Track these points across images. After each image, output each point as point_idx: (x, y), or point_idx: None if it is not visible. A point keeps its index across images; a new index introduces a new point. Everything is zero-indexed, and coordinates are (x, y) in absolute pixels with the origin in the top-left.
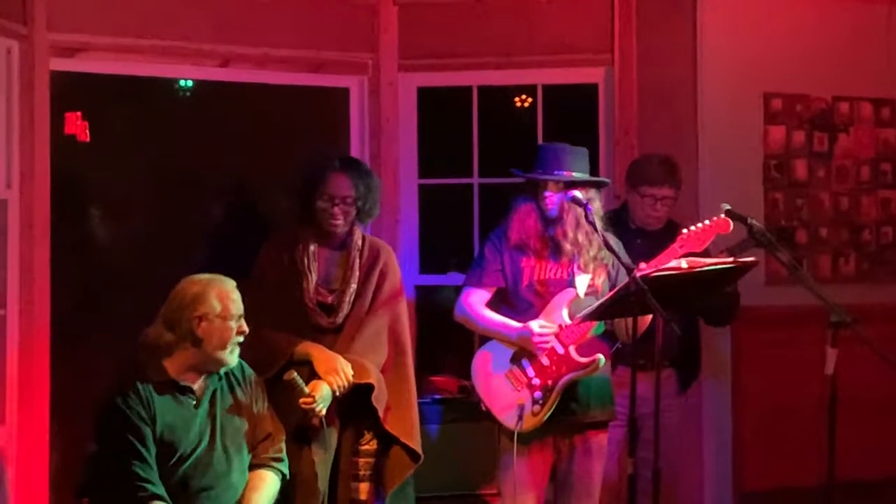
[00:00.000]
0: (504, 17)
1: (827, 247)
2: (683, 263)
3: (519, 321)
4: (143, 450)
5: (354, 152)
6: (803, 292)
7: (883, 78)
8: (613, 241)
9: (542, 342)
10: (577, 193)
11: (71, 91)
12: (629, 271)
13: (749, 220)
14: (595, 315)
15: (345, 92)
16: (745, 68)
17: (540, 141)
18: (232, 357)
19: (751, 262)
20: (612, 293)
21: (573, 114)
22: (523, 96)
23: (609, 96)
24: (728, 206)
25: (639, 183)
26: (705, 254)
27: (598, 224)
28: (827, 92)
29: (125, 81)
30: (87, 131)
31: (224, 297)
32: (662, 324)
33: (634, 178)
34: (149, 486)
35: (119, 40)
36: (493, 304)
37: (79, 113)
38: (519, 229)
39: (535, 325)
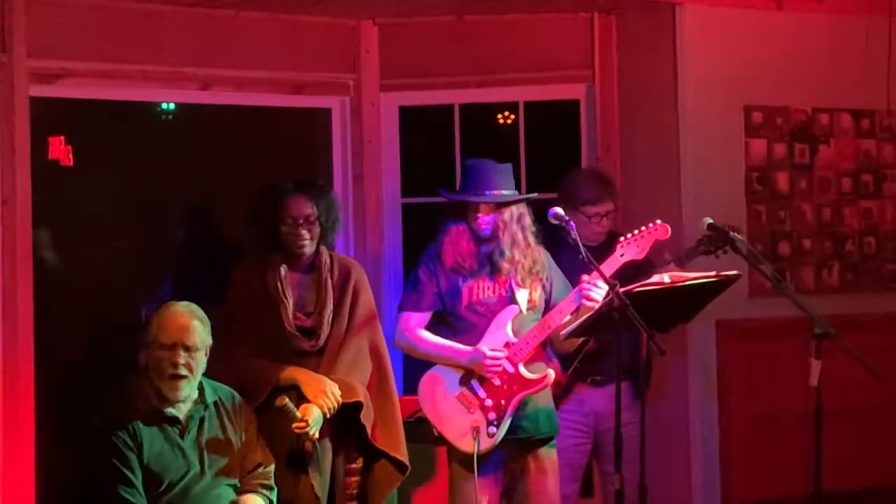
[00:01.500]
0: (485, 34)
1: (810, 258)
2: (666, 278)
3: (462, 342)
4: (129, 475)
5: (337, 173)
6: (787, 304)
7: (862, 89)
8: (546, 256)
9: (494, 365)
10: (560, 210)
11: (53, 116)
12: (612, 287)
13: (731, 234)
14: (577, 332)
15: (327, 113)
16: (726, 82)
17: (522, 158)
18: (173, 392)
19: (734, 275)
20: (569, 309)
21: (555, 130)
22: (506, 113)
23: (591, 112)
24: (710, 220)
25: (580, 204)
26: (647, 263)
27: (532, 238)
28: (807, 104)
29: (107, 106)
30: (71, 156)
31: (164, 323)
32: (646, 339)
33: (574, 200)
34: None
35: (99, 66)
36: (430, 327)
37: (62, 137)
38: (453, 252)
39: (485, 347)
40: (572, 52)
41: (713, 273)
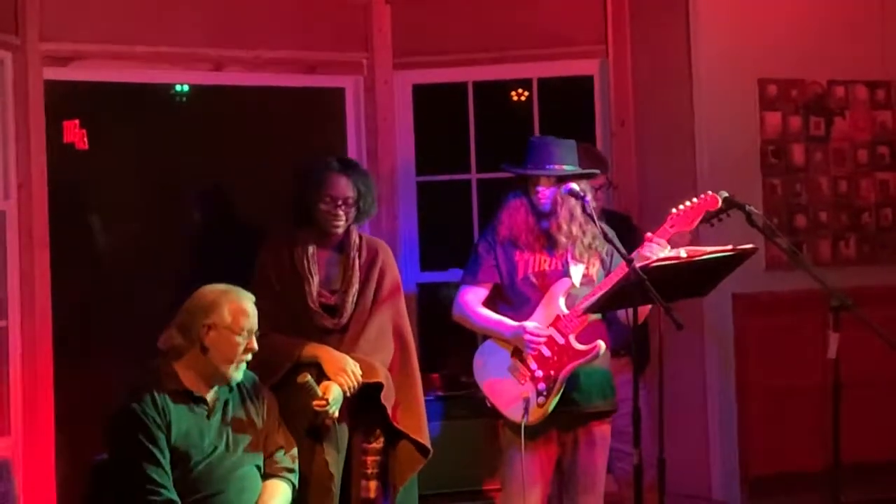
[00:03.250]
0: (497, 11)
1: (827, 231)
2: (682, 252)
3: (516, 316)
4: (158, 454)
5: (351, 152)
6: (804, 277)
7: (877, 60)
8: (608, 230)
9: (532, 340)
10: (574, 185)
11: (67, 99)
12: (628, 262)
13: (747, 208)
14: (596, 307)
15: (340, 92)
16: (740, 55)
17: (537, 134)
18: (236, 374)
19: (750, 248)
20: (611, 284)
21: (569, 106)
22: (519, 90)
23: (604, 88)
24: (726, 194)
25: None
26: (632, 226)
27: (593, 213)
28: (822, 76)
29: (121, 88)
30: (86, 139)
31: (237, 310)
32: (661, 312)
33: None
34: (163, 490)
35: (112, 47)
36: (490, 301)
37: (76, 121)
38: (509, 224)
39: (529, 324)
40: (585, 26)
41: (729, 247)
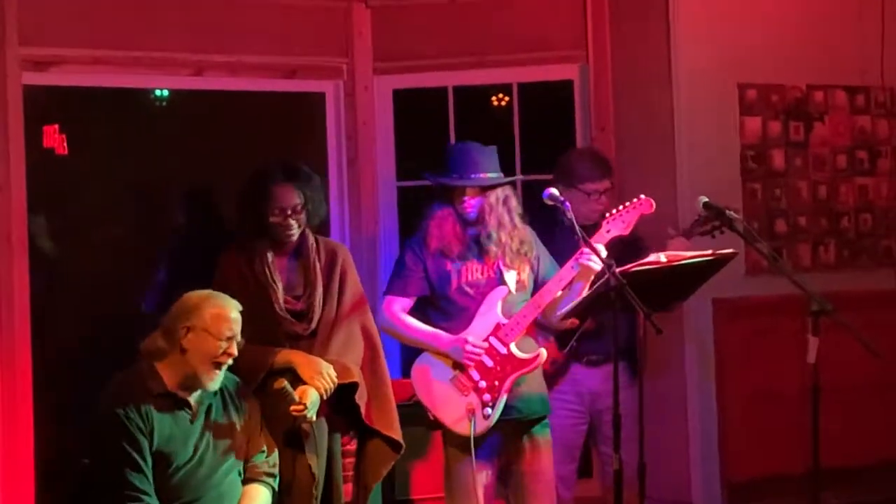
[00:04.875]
0: (477, 16)
1: (806, 235)
2: (662, 257)
3: (451, 326)
4: (139, 461)
5: (331, 157)
6: (784, 282)
7: (856, 65)
8: (532, 235)
9: (472, 353)
10: (555, 191)
11: (47, 104)
12: (608, 268)
13: (727, 213)
14: (574, 313)
15: (320, 97)
16: (720, 60)
17: (517, 140)
18: (212, 381)
19: (730, 253)
20: (559, 286)
21: (549, 111)
22: (500, 95)
23: (584, 92)
24: (706, 199)
25: (579, 182)
26: (637, 239)
27: (518, 219)
28: (801, 81)
29: (101, 93)
30: (65, 144)
31: (218, 314)
32: (643, 319)
33: (572, 178)
34: (145, 497)
35: (92, 52)
36: (421, 311)
37: (56, 126)
38: (438, 235)
39: (469, 337)
40: (565, 31)
41: (709, 252)
